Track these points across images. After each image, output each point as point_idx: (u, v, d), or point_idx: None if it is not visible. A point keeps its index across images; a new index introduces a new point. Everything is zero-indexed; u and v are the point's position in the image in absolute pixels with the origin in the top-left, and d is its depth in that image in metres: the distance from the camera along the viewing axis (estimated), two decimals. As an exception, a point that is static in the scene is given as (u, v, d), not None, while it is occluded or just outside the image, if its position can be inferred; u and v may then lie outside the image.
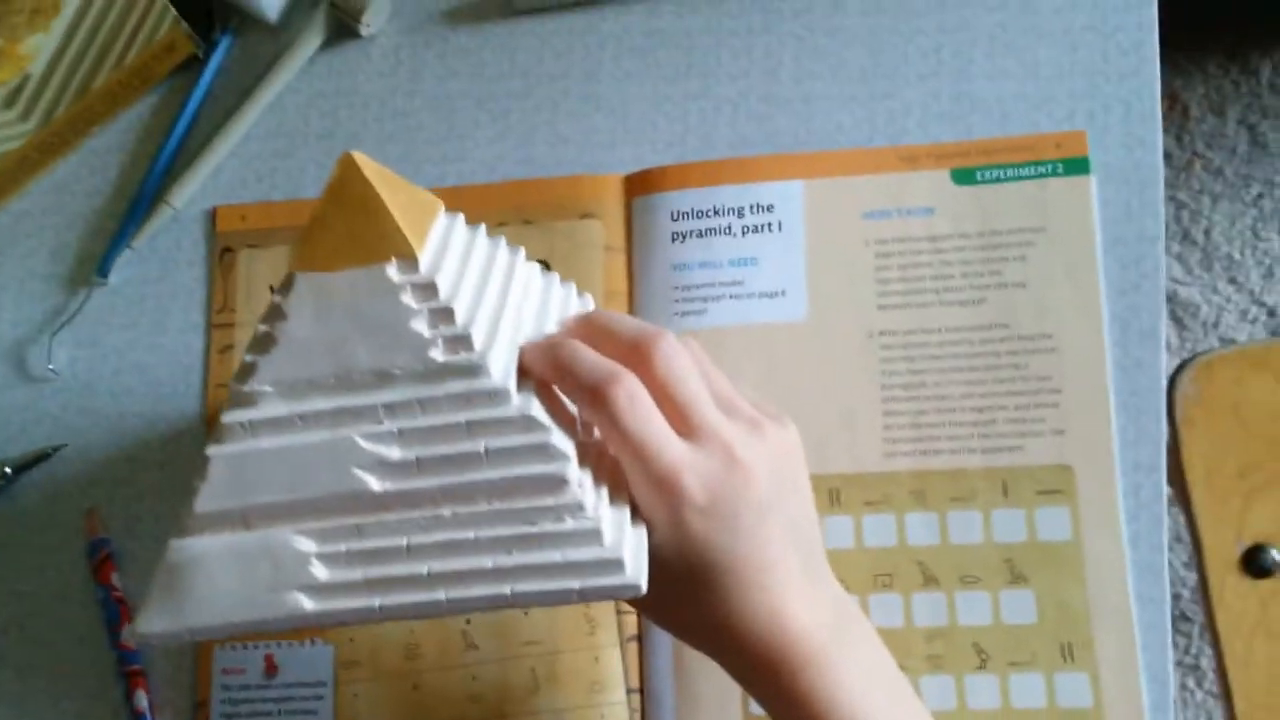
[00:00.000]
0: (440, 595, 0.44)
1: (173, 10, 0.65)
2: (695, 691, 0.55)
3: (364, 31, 0.66)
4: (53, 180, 0.67)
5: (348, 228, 0.44)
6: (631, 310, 0.60)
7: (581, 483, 0.44)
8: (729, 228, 0.60)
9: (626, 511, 0.45)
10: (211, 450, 0.45)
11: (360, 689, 0.58)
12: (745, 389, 0.50)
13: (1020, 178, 0.58)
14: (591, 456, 0.47)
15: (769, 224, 0.60)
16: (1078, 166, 0.58)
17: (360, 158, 0.43)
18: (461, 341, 0.44)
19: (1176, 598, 1.30)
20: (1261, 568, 0.66)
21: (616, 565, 0.43)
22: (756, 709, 0.54)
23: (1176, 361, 0.74)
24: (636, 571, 0.43)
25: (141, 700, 0.57)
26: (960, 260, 0.58)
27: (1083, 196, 0.58)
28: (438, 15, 0.66)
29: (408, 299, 0.43)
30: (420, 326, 0.44)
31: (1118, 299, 0.56)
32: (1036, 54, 0.61)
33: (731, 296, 0.59)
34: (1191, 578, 1.23)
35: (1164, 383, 0.56)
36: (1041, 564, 0.54)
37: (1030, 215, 0.58)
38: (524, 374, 0.46)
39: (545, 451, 0.43)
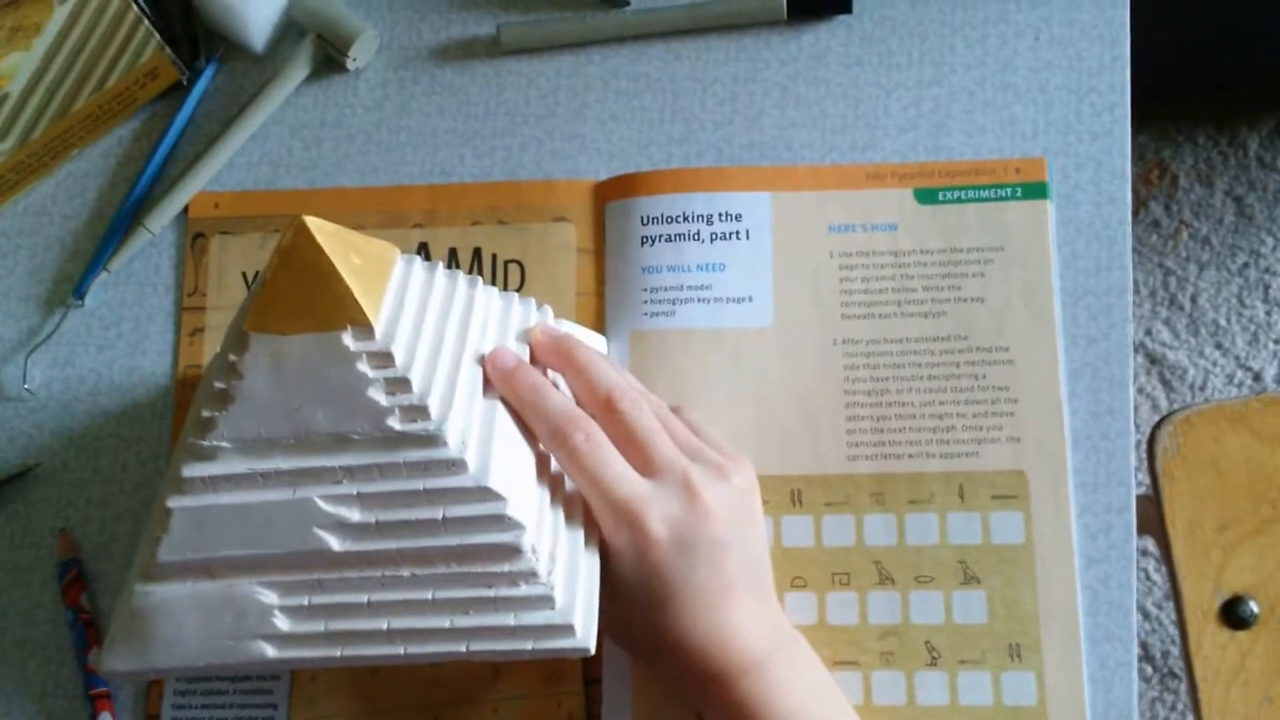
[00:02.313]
0: (399, 649, 0.49)
1: (157, 36, 0.68)
2: (652, 684, 0.59)
3: (350, 65, 0.71)
4: (29, 201, 0.71)
5: (301, 293, 0.47)
6: (602, 310, 0.65)
7: (536, 549, 0.49)
8: (698, 234, 0.66)
9: (580, 568, 0.50)
10: (173, 503, 0.48)
11: (318, 672, 0.61)
12: (709, 434, 0.58)
13: (981, 199, 0.65)
14: (549, 487, 0.52)
15: (737, 232, 0.66)
16: (1036, 191, 0.65)
17: (314, 223, 0.46)
18: (419, 411, 0.48)
19: (1165, 655, 1.36)
20: (1239, 619, 0.71)
21: (568, 630, 0.49)
22: None
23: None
24: (586, 634, 0.49)
25: (106, 724, 0.61)
26: (922, 275, 0.64)
27: (1040, 219, 0.64)
28: (425, 52, 0.72)
29: (364, 367, 0.47)
30: (377, 395, 0.47)
31: (1088, 348, 0.63)
32: (1013, 111, 0.67)
33: (699, 300, 0.64)
34: (1181, 634, 1.29)
35: (1132, 427, 0.62)
36: (994, 566, 0.60)
37: (990, 235, 0.64)
38: (488, 385, 0.52)
39: (502, 522, 0.48)
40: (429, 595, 0.49)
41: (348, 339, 0.47)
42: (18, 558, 0.65)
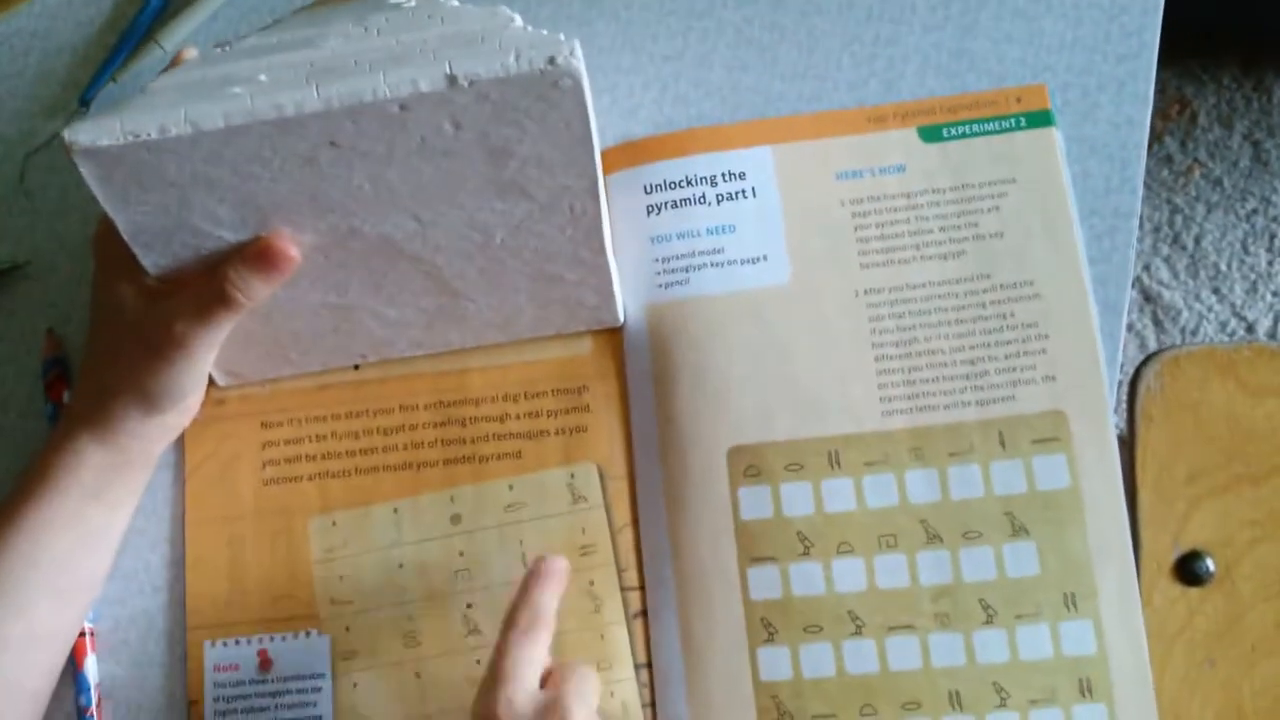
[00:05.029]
0: (380, 83, 0.47)
1: None
2: (704, 664, 0.58)
3: (380, -100, 0.68)
4: (45, 4, 0.69)
5: None
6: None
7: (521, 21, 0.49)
8: (703, 197, 0.63)
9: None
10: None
11: (360, 679, 0.60)
12: None
13: (986, 132, 0.62)
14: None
15: (743, 191, 0.63)
16: (1041, 119, 0.62)
17: None
18: None
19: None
20: (1194, 575, 0.68)
21: (552, 51, 0.47)
22: (768, 675, 0.57)
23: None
24: (569, 57, 0.47)
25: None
26: (936, 215, 0.62)
27: (1049, 148, 0.62)
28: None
29: None
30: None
31: (1088, 267, 0.60)
32: (1042, 23, 0.65)
33: (712, 265, 0.62)
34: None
35: (1120, 355, 0.60)
36: (1042, 515, 0.57)
37: (999, 168, 0.62)
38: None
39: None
40: (418, 49, 0.48)
41: None
42: (1, 351, 0.65)
